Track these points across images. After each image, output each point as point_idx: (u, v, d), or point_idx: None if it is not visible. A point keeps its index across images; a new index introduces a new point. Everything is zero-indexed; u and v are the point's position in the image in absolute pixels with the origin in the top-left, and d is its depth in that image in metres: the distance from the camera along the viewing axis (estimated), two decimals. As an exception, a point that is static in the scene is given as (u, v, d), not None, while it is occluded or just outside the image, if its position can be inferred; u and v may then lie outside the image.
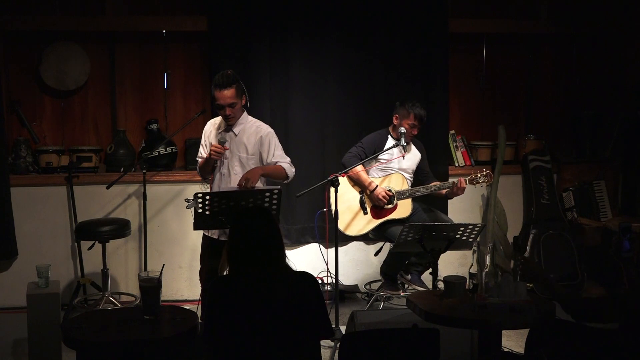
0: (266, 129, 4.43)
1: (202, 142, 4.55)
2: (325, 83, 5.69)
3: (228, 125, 4.40)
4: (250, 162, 4.37)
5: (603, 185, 6.08)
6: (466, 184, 4.99)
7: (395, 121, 5.12)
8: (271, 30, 5.58)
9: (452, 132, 6.03)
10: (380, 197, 4.95)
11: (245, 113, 4.45)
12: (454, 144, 6.02)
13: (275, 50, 5.59)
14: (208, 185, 4.73)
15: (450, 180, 5.22)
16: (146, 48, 5.79)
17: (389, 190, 5.00)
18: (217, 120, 4.54)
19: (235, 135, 4.39)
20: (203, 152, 4.51)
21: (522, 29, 6.09)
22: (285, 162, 4.37)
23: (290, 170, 4.39)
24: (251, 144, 4.38)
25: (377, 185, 5.00)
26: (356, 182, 5.06)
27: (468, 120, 6.25)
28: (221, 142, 4.31)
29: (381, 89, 5.71)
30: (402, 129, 4.93)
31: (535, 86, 6.31)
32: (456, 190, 5.00)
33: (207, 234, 4.44)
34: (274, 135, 4.44)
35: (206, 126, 4.59)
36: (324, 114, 5.72)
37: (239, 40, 5.53)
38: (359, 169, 4.99)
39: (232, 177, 4.37)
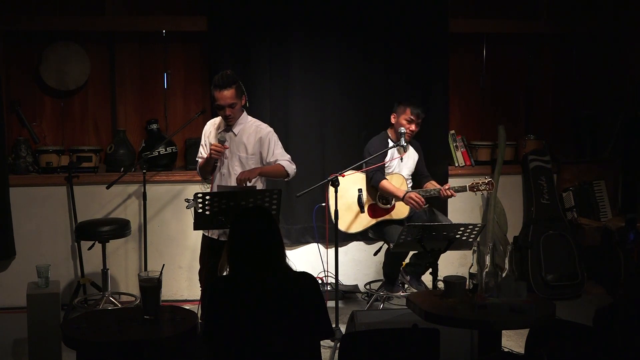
0: (266, 129, 4.44)
1: (202, 142, 4.55)
2: (325, 83, 5.69)
3: (228, 125, 4.40)
4: (250, 161, 4.37)
5: (603, 185, 6.09)
6: (452, 193, 4.95)
7: (393, 120, 5.11)
8: (271, 30, 5.58)
9: (452, 132, 6.03)
10: (412, 200, 4.89)
11: (244, 113, 4.46)
12: (454, 144, 6.02)
13: (275, 50, 5.59)
14: (208, 185, 4.73)
15: (457, 185, 5.17)
16: (146, 48, 5.79)
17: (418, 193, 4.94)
18: (217, 120, 4.54)
19: (235, 135, 4.39)
20: (203, 152, 4.51)
21: (522, 29, 6.09)
22: (284, 159, 4.37)
23: (291, 167, 4.39)
24: (251, 144, 4.38)
25: (406, 192, 4.96)
26: (386, 194, 5.03)
27: (468, 120, 6.24)
28: (221, 141, 4.32)
29: (381, 89, 5.71)
30: (402, 129, 4.92)
31: (535, 86, 6.31)
32: (444, 194, 4.98)
33: (206, 234, 4.44)
34: (274, 134, 4.44)
35: (206, 126, 4.60)
36: (324, 114, 5.71)
37: (239, 40, 5.53)
38: (385, 183, 4.97)
39: (232, 177, 4.37)
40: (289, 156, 4.43)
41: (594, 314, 2.96)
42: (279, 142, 4.45)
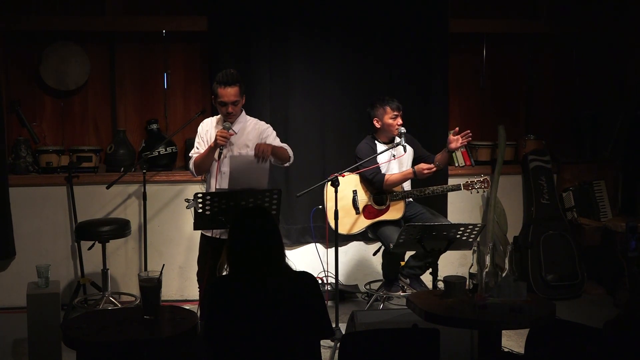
0: (264, 124, 4.53)
1: (198, 140, 4.53)
2: (325, 83, 5.69)
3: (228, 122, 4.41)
4: None
5: (603, 185, 6.08)
6: (427, 171, 4.93)
7: (377, 125, 5.06)
8: (271, 30, 5.58)
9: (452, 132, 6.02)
10: (425, 172, 4.90)
11: (243, 112, 4.49)
12: (454, 144, 6.01)
13: (275, 50, 5.59)
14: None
15: (451, 184, 5.19)
16: (146, 48, 5.79)
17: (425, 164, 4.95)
18: (214, 119, 4.54)
19: (236, 133, 4.40)
20: (200, 148, 4.49)
21: (522, 29, 6.09)
22: (285, 145, 4.48)
23: (291, 152, 4.47)
24: (252, 140, 4.42)
25: (413, 169, 4.97)
26: (397, 184, 5.03)
27: (468, 120, 6.23)
28: (226, 128, 4.33)
29: (381, 88, 5.69)
30: (402, 129, 4.91)
31: (535, 86, 6.31)
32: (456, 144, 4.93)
33: (207, 234, 4.43)
34: (272, 129, 4.53)
35: (202, 124, 4.55)
36: (324, 114, 5.72)
37: (239, 40, 5.54)
38: (389, 176, 4.99)
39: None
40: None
41: (603, 326, 2.96)
42: (277, 137, 4.52)
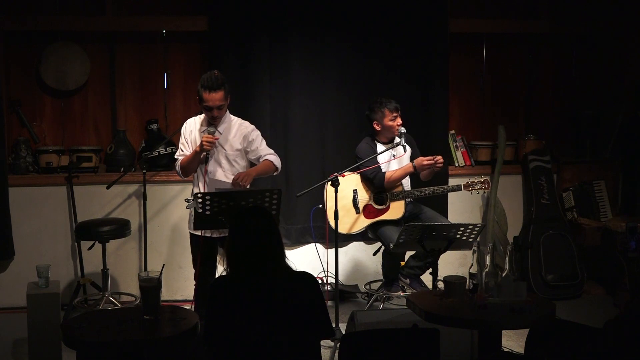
0: (249, 126, 4.52)
1: (182, 141, 4.53)
2: (325, 83, 5.69)
3: (213, 125, 4.41)
4: (237, 157, 4.42)
5: (603, 185, 6.08)
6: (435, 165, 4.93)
7: (377, 127, 5.07)
8: (271, 30, 5.58)
9: (452, 132, 6.03)
10: (425, 163, 4.89)
11: (227, 112, 4.49)
12: (454, 144, 6.02)
13: (275, 50, 5.59)
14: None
15: (452, 184, 5.20)
16: (146, 48, 5.79)
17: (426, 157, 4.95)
18: (197, 120, 4.54)
19: (221, 133, 4.41)
20: (185, 150, 4.50)
21: (522, 29, 6.09)
22: (270, 153, 4.45)
23: (277, 160, 4.47)
24: (236, 141, 4.45)
25: (412, 164, 4.96)
26: (398, 180, 5.03)
27: (468, 120, 6.24)
28: (210, 133, 4.33)
29: (381, 88, 5.70)
30: (402, 129, 4.92)
31: (535, 86, 6.31)
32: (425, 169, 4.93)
33: (196, 233, 4.41)
34: (257, 130, 4.54)
35: (186, 125, 4.56)
36: (324, 114, 5.72)
37: (239, 40, 5.54)
38: (390, 173, 4.99)
39: (219, 173, 4.40)
40: (272, 150, 4.51)
41: (603, 326, 2.96)
42: (263, 139, 4.53)
